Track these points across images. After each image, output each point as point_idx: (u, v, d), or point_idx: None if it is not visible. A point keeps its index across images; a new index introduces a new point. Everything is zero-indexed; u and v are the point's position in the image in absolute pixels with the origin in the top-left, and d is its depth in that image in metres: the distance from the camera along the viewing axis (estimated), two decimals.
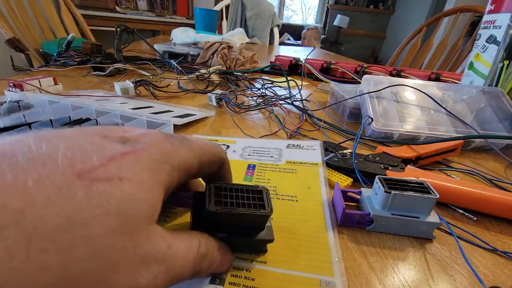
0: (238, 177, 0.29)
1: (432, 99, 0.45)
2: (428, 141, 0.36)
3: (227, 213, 0.14)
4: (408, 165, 0.32)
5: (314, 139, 0.41)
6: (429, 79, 0.76)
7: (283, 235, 0.22)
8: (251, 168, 0.31)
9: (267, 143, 0.36)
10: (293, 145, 0.36)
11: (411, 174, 0.30)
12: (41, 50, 0.92)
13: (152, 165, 0.11)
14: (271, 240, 0.15)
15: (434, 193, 0.23)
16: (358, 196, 0.27)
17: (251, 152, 0.34)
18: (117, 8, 2.46)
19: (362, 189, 0.27)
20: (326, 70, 0.83)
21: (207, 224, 0.15)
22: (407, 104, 0.47)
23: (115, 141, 0.11)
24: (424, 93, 0.46)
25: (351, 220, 0.24)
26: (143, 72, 0.67)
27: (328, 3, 4.19)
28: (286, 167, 0.31)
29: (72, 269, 0.08)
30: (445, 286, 0.20)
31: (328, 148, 0.36)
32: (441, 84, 0.51)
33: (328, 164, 0.33)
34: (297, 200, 0.26)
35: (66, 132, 0.10)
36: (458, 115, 0.44)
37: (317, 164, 0.32)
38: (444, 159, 0.38)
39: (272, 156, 0.33)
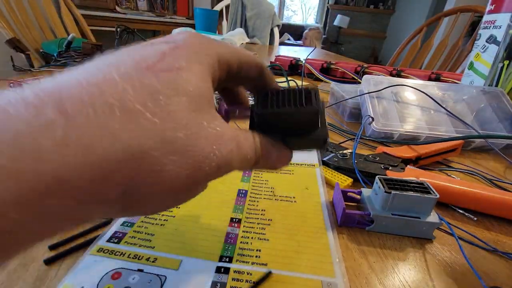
0: (235, 178, 0.29)
1: (432, 99, 0.45)
2: (428, 141, 0.36)
3: (274, 113, 0.14)
4: (408, 165, 0.32)
5: None
6: (429, 79, 0.76)
7: (283, 237, 0.22)
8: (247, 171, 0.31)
9: None
10: None
11: (411, 174, 0.30)
12: (41, 50, 0.92)
13: (196, 57, 0.12)
14: (325, 137, 0.15)
15: (434, 193, 0.23)
16: (358, 196, 0.27)
17: None
18: (117, 8, 2.46)
19: (362, 189, 0.27)
20: (326, 70, 0.83)
21: (262, 130, 0.15)
22: (407, 104, 0.47)
23: (160, 42, 0.12)
24: (424, 93, 0.46)
25: (351, 220, 0.24)
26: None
27: (328, 3, 4.19)
28: (283, 168, 0.31)
29: (167, 134, 0.10)
30: (445, 286, 0.20)
31: (328, 148, 0.36)
32: (441, 84, 0.51)
33: (328, 164, 0.33)
34: (295, 201, 0.27)
35: (120, 50, 0.12)
36: (458, 115, 0.44)
37: (313, 165, 0.32)
38: (444, 159, 0.38)
39: None
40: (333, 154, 0.34)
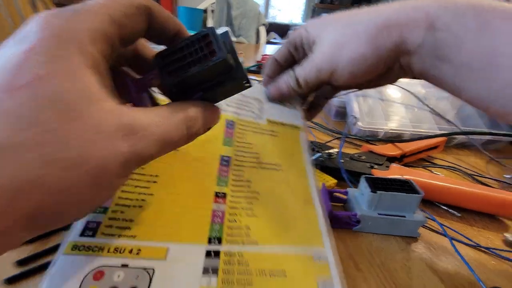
0: (216, 139, 0.25)
1: (416, 96, 0.46)
2: (412, 139, 0.37)
3: (183, 79, 0.13)
4: (393, 163, 0.32)
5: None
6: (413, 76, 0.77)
7: (272, 211, 0.21)
8: (230, 126, 0.27)
9: (246, 91, 0.30)
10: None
11: (396, 172, 0.30)
12: None
13: (60, 52, 0.10)
14: (244, 77, 0.15)
15: (419, 191, 0.23)
16: (344, 197, 0.27)
17: (229, 100, 0.29)
18: None
19: (349, 189, 0.27)
20: None
21: (179, 91, 0.14)
22: (391, 102, 0.48)
23: (11, 45, 0.11)
24: (408, 91, 0.47)
25: (338, 222, 0.24)
26: None
27: (313, 2, 4.23)
28: (268, 129, 0.28)
29: (47, 158, 0.09)
30: (430, 283, 0.20)
31: (314, 147, 0.36)
32: (424, 82, 0.52)
33: (315, 164, 0.33)
34: (281, 170, 0.25)
35: None
36: (440, 112, 0.45)
37: (298, 128, 0.30)
38: (428, 156, 0.39)
39: (253, 111, 0.29)
40: (320, 154, 0.34)
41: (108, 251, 0.17)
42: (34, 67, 0.10)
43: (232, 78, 0.14)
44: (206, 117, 0.15)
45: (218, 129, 0.25)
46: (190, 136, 0.14)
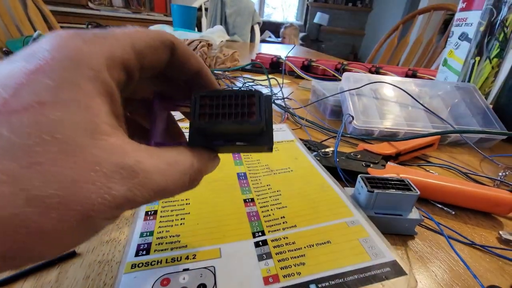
0: (228, 162, 0.30)
1: (410, 95, 0.47)
2: (407, 137, 0.37)
3: (213, 127, 0.13)
4: (388, 162, 0.32)
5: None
6: (406, 75, 0.78)
7: (297, 200, 0.25)
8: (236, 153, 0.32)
9: None
10: None
11: (392, 170, 0.30)
12: (5, 48, 0.87)
13: (66, 76, 0.09)
14: (269, 146, 0.15)
15: (415, 190, 0.23)
16: None
17: None
18: (90, 4, 2.35)
19: (345, 188, 0.27)
20: (307, 68, 0.84)
21: (202, 134, 0.14)
22: (386, 100, 0.48)
23: (18, 60, 0.10)
24: (402, 90, 0.47)
25: None
26: None
27: (307, 0, 4.23)
28: None
29: (33, 193, 0.08)
30: (427, 282, 0.20)
31: (310, 146, 0.36)
32: (417, 80, 0.53)
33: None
34: (292, 170, 0.29)
35: None
36: (434, 111, 0.46)
37: (292, 141, 0.36)
38: (423, 154, 0.39)
39: None
40: (315, 152, 0.34)
41: (167, 262, 0.19)
42: (37, 91, 0.09)
43: (258, 142, 0.14)
44: (209, 167, 0.14)
45: (226, 158, 0.31)
46: (189, 187, 0.13)
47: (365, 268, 0.18)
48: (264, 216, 0.23)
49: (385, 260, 0.19)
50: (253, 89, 0.14)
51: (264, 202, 0.25)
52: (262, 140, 0.14)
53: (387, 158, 0.34)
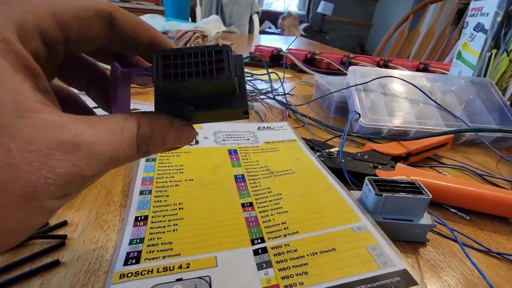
0: (224, 163, 0.31)
1: (421, 91, 0.47)
2: (418, 137, 0.37)
3: (179, 87, 0.13)
4: (398, 163, 0.32)
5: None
6: (417, 69, 0.78)
7: (299, 204, 0.25)
8: (233, 153, 0.33)
9: (237, 127, 0.39)
10: (264, 127, 0.40)
11: (401, 172, 0.30)
12: None
13: None
14: (244, 109, 0.15)
15: (426, 193, 0.23)
16: None
17: (224, 136, 0.36)
18: None
19: (352, 191, 0.27)
20: (310, 61, 0.84)
21: (168, 100, 0.14)
22: (395, 96, 0.48)
23: None
24: (413, 85, 0.47)
25: None
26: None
27: None
28: (267, 148, 0.35)
29: None
30: None
31: (314, 146, 0.36)
32: (429, 75, 0.53)
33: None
34: (293, 172, 0.30)
35: None
36: (447, 107, 0.46)
37: (294, 140, 0.37)
38: (435, 154, 0.39)
39: (248, 139, 0.36)
40: (319, 153, 0.34)
41: (158, 271, 0.19)
42: None
43: (231, 104, 0.14)
44: (170, 135, 0.14)
45: (223, 158, 0.32)
46: (140, 154, 0.13)
47: (373, 278, 0.18)
48: (263, 222, 0.23)
49: (394, 269, 0.19)
50: (219, 45, 0.14)
51: (264, 206, 0.25)
52: (235, 102, 0.14)
53: (396, 159, 0.34)
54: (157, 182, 0.26)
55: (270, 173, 0.30)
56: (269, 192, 0.27)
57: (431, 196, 0.23)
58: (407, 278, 0.18)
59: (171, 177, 0.27)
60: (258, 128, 0.39)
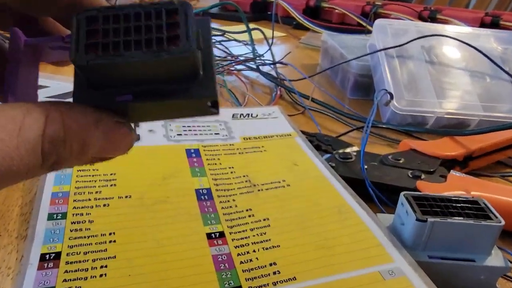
0: (181, 170, 0.31)
1: (487, 57, 0.47)
2: (483, 129, 0.37)
3: (110, 64, 0.13)
4: (452, 171, 0.33)
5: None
6: (482, 24, 0.79)
7: (298, 233, 0.25)
8: (193, 155, 0.33)
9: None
10: (242, 114, 0.40)
11: (457, 185, 0.30)
12: None
13: None
14: (212, 99, 0.14)
15: (497, 217, 0.23)
16: None
17: (180, 129, 0.36)
18: None
19: (379, 214, 0.27)
20: (315, 12, 0.84)
21: (94, 83, 0.14)
22: (448, 67, 0.48)
23: None
24: (475, 48, 0.48)
25: None
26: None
27: None
28: (247, 146, 0.35)
29: None
30: None
31: (320, 145, 0.36)
32: (500, 33, 0.54)
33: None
34: (288, 185, 0.30)
35: None
36: None
37: (290, 135, 0.37)
38: (510, 157, 0.40)
39: (217, 133, 0.37)
40: (329, 155, 0.34)
41: None
42: None
43: (191, 92, 0.14)
44: (112, 141, 0.15)
45: (178, 162, 0.32)
46: (46, 167, 0.13)
47: None
48: (241, 263, 0.23)
49: None
50: (174, 0, 0.14)
51: (242, 238, 0.25)
52: (197, 89, 0.14)
53: (449, 164, 0.34)
54: (74, 201, 0.26)
55: (252, 186, 0.30)
56: (250, 216, 0.27)
57: (503, 222, 0.23)
58: None
59: (96, 192, 0.27)
60: (233, 116, 0.39)
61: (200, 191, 0.29)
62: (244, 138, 0.36)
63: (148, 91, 0.14)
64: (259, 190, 0.29)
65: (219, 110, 0.15)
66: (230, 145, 0.35)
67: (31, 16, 0.17)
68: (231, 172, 0.31)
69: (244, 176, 0.31)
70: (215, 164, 0.32)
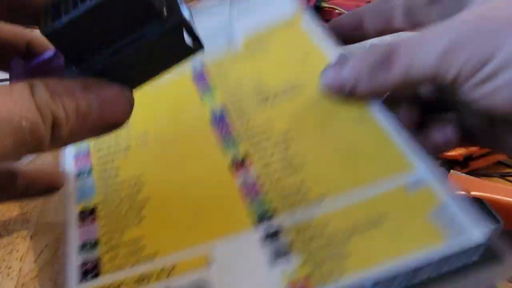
0: (189, 95, 0.29)
1: None
2: None
3: (70, 21, 0.13)
4: (452, 170, 0.33)
5: None
6: None
7: (319, 145, 0.24)
8: (198, 76, 0.30)
9: (196, 13, 0.34)
10: None
11: (457, 185, 0.30)
12: None
13: None
14: (179, 22, 0.15)
15: (496, 218, 0.23)
16: None
17: None
18: None
19: None
20: (315, 12, 0.84)
21: (71, 56, 0.15)
22: None
23: None
24: None
25: None
26: None
27: None
28: (253, 49, 0.31)
29: None
30: None
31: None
32: None
33: None
34: (300, 85, 0.27)
35: None
36: None
37: (293, 20, 0.31)
38: (510, 157, 0.40)
39: (219, 38, 0.32)
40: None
41: (136, 282, 0.20)
42: None
43: (159, 28, 0.15)
44: (101, 102, 0.15)
45: (185, 88, 0.29)
46: (34, 144, 0.14)
47: (439, 258, 0.18)
48: (269, 184, 0.23)
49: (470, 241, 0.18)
50: None
51: (264, 156, 0.24)
52: (163, 22, 0.15)
53: (449, 163, 0.34)
54: (98, 152, 0.27)
55: (265, 98, 0.27)
56: (271, 131, 0.25)
57: (502, 223, 0.23)
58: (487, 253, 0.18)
59: (114, 139, 0.28)
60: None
61: (215, 115, 0.27)
62: (247, 40, 0.31)
63: (122, 46, 0.15)
64: (274, 98, 0.27)
65: (202, 42, 0.16)
66: (234, 53, 0.31)
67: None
68: (241, 84, 0.28)
69: (255, 85, 0.28)
70: (223, 78, 0.29)
